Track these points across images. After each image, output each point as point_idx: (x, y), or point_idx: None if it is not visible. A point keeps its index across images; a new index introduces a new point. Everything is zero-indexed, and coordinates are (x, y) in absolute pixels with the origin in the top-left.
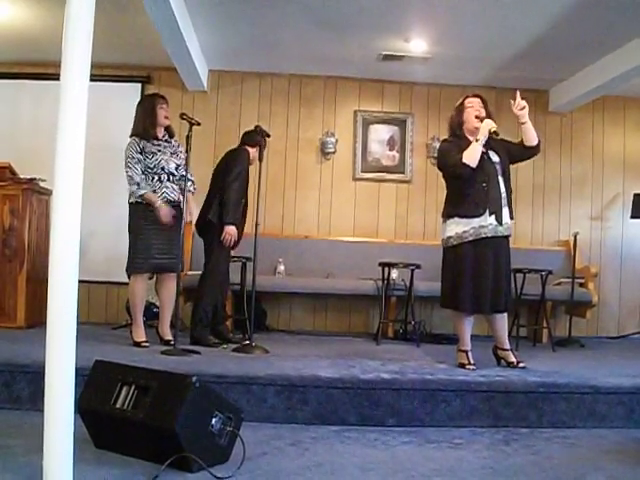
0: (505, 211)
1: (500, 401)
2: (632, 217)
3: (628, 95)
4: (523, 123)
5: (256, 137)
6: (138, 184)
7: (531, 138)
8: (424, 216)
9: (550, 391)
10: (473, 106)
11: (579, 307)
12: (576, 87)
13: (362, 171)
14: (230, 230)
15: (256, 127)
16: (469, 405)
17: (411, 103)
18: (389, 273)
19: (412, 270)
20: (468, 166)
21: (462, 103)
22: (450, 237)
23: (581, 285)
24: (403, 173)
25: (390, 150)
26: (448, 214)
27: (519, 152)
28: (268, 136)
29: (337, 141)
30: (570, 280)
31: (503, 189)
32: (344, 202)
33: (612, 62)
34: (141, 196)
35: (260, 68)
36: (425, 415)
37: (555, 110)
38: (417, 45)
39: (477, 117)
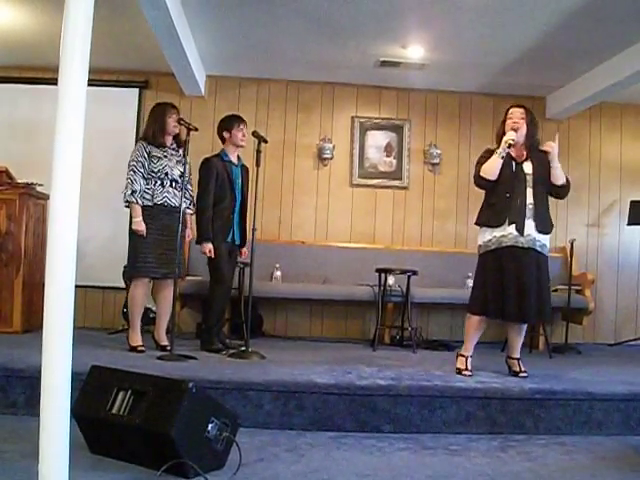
0: (529, 223)
1: (496, 408)
2: (629, 224)
3: (625, 102)
4: (552, 166)
5: (226, 122)
6: (133, 192)
7: (555, 178)
8: (421, 222)
9: (546, 398)
10: (512, 117)
11: (576, 314)
12: (573, 94)
13: (359, 177)
14: (202, 248)
15: (253, 132)
16: (465, 412)
17: (408, 109)
18: (386, 279)
19: (409, 276)
20: (485, 179)
21: (505, 114)
22: (480, 245)
23: (578, 292)
24: (400, 179)
25: (387, 156)
26: (478, 222)
27: (549, 183)
28: (265, 141)
29: (334, 147)
30: (567, 287)
31: (530, 200)
32: (341, 208)
33: (609, 69)
34: (128, 201)
35: (258, 74)
36: (421, 421)
37: (552, 117)
38: (414, 51)
39: (513, 129)
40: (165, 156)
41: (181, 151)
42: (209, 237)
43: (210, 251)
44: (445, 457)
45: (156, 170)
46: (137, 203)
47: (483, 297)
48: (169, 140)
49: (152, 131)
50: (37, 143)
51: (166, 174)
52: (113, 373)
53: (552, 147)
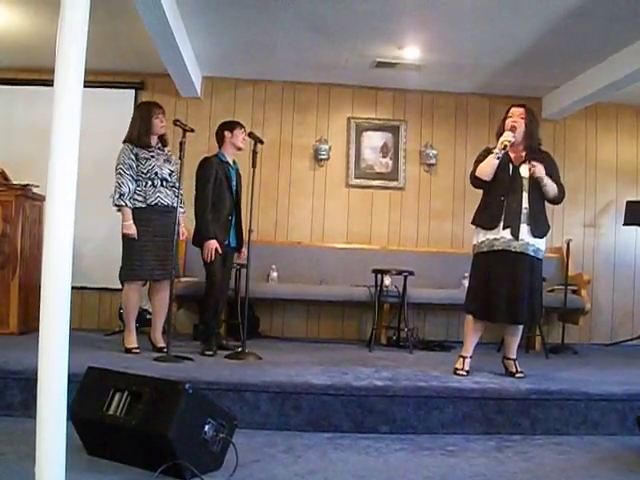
0: (524, 227)
1: (493, 408)
2: (625, 224)
3: (621, 102)
4: (541, 184)
5: (229, 124)
6: (121, 195)
7: (545, 193)
8: (417, 223)
9: (543, 398)
10: (512, 116)
11: (572, 314)
12: (569, 94)
13: (355, 178)
14: (208, 245)
15: (250, 133)
16: (462, 412)
17: (404, 110)
18: (382, 280)
19: (405, 277)
20: (480, 179)
21: (506, 112)
22: (474, 245)
23: (574, 292)
24: (396, 180)
25: (383, 157)
26: (473, 222)
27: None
28: (261, 142)
29: (330, 148)
30: (563, 287)
31: (526, 205)
32: (337, 209)
33: (604, 70)
34: (118, 205)
35: (254, 75)
36: (418, 422)
37: (548, 117)
38: (410, 52)
39: (511, 129)
40: (152, 156)
41: (167, 150)
42: (213, 236)
43: (217, 248)
44: (442, 458)
45: (145, 171)
46: (126, 206)
47: (473, 296)
48: (154, 140)
49: (137, 132)
50: (33, 145)
51: (156, 174)
52: (110, 374)
53: (537, 171)
